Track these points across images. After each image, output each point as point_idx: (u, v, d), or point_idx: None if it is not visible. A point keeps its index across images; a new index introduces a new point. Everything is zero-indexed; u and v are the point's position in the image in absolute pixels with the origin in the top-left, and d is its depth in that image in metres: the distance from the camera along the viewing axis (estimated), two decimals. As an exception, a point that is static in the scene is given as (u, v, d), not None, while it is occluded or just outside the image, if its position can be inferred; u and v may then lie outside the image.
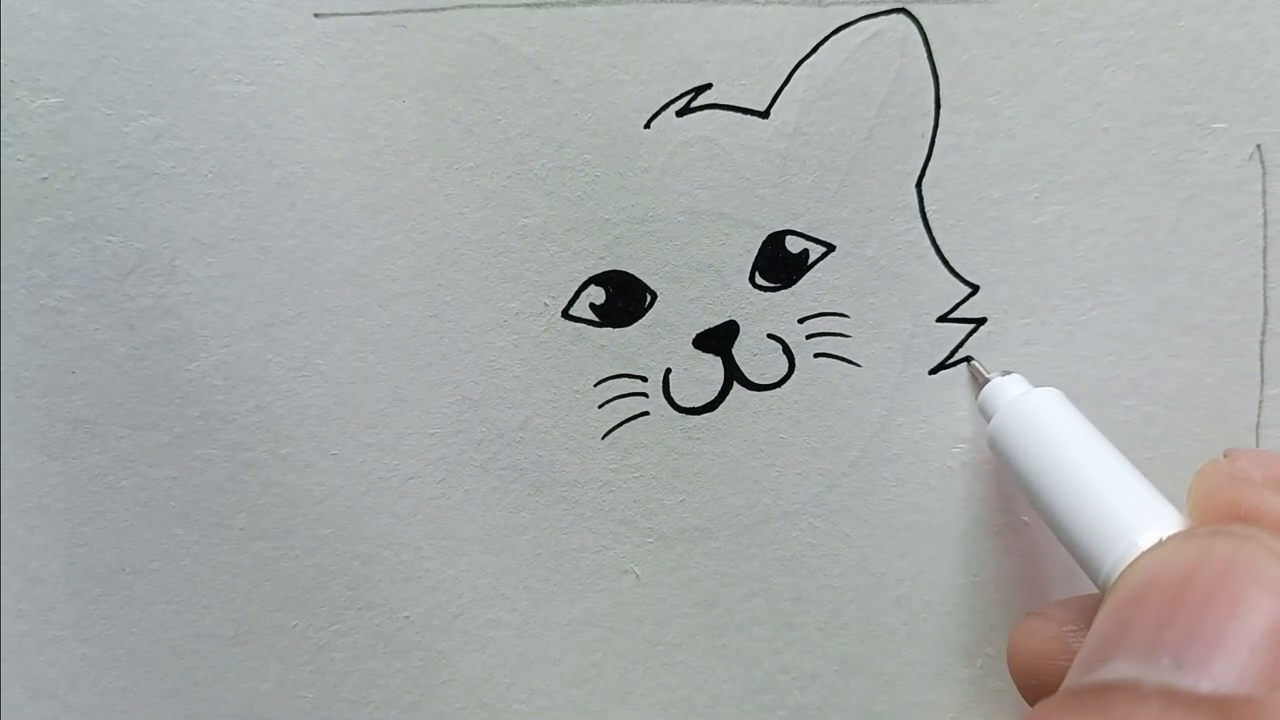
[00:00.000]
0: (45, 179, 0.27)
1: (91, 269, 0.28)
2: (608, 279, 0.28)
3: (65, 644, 0.30)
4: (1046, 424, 0.25)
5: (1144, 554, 0.19)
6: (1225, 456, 0.19)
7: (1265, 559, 0.16)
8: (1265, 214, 0.28)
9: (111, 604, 0.29)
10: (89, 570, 0.29)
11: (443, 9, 0.27)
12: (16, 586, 0.29)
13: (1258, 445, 0.29)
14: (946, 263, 0.28)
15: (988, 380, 0.28)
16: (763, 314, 0.29)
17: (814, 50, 0.27)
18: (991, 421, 0.26)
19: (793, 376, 0.29)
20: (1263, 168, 0.28)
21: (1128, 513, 0.21)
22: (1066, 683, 0.17)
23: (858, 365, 0.29)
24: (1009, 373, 0.28)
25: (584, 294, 0.28)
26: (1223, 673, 0.15)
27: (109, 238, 0.27)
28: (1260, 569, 0.16)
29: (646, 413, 0.29)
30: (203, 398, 0.28)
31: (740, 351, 0.29)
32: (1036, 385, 0.27)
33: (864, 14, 0.27)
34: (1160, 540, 0.19)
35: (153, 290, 0.28)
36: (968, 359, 0.29)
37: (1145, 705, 0.15)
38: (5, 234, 0.27)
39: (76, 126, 0.27)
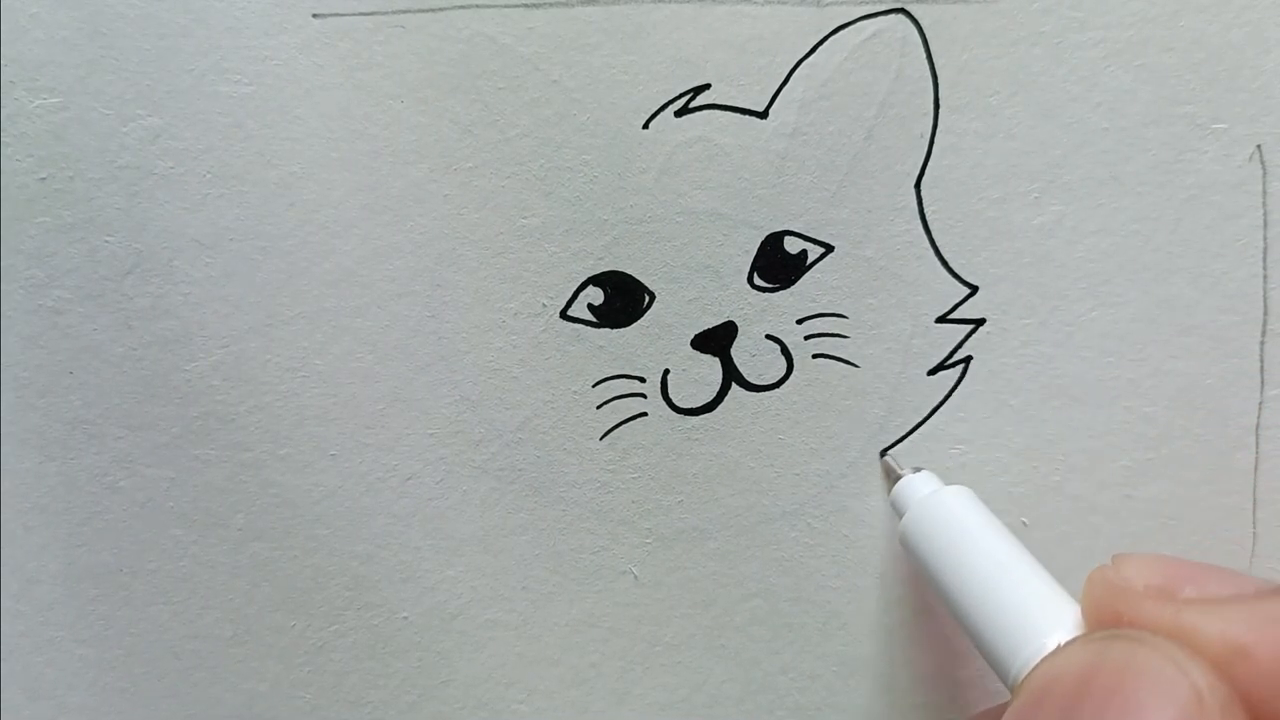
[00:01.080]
0: (43, 179, 0.27)
1: (90, 269, 0.28)
2: (606, 279, 0.28)
3: (64, 644, 0.30)
4: (955, 523, 0.25)
5: (1044, 659, 0.19)
6: (1113, 562, 0.19)
7: (1160, 663, 0.16)
8: (1265, 214, 0.28)
9: (110, 604, 0.29)
10: (87, 570, 0.29)
11: (441, 9, 0.27)
12: (15, 586, 0.29)
13: (1257, 446, 0.29)
14: (945, 263, 0.28)
15: (899, 476, 0.28)
16: (761, 315, 0.28)
17: (813, 50, 0.27)
18: (903, 519, 0.27)
19: (791, 377, 0.29)
20: (1263, 168, 0.28)
21: (1032, 616, 0.21)
22: None
23: (856, 366, 0.29)
24: (920, 469, 0.28)
25: (582, 294, 0.28)
26: None
27: (107, 238, 0.27)
28: (1155, 674, 0.16)
29: (645, 413, 0.29)
30: (201, 398, 0.28)
31: (739, 352, 0.29)
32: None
33: (863, 14, 0.27)
34: (1059, 645, 0.19)
35: (151, 290, 0.28)
36: (881, 454, 0.29)
37: None
38: (4, 234, 0.27)
39: (75, 126, 0.27)
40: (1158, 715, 0.15)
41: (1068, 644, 0.19)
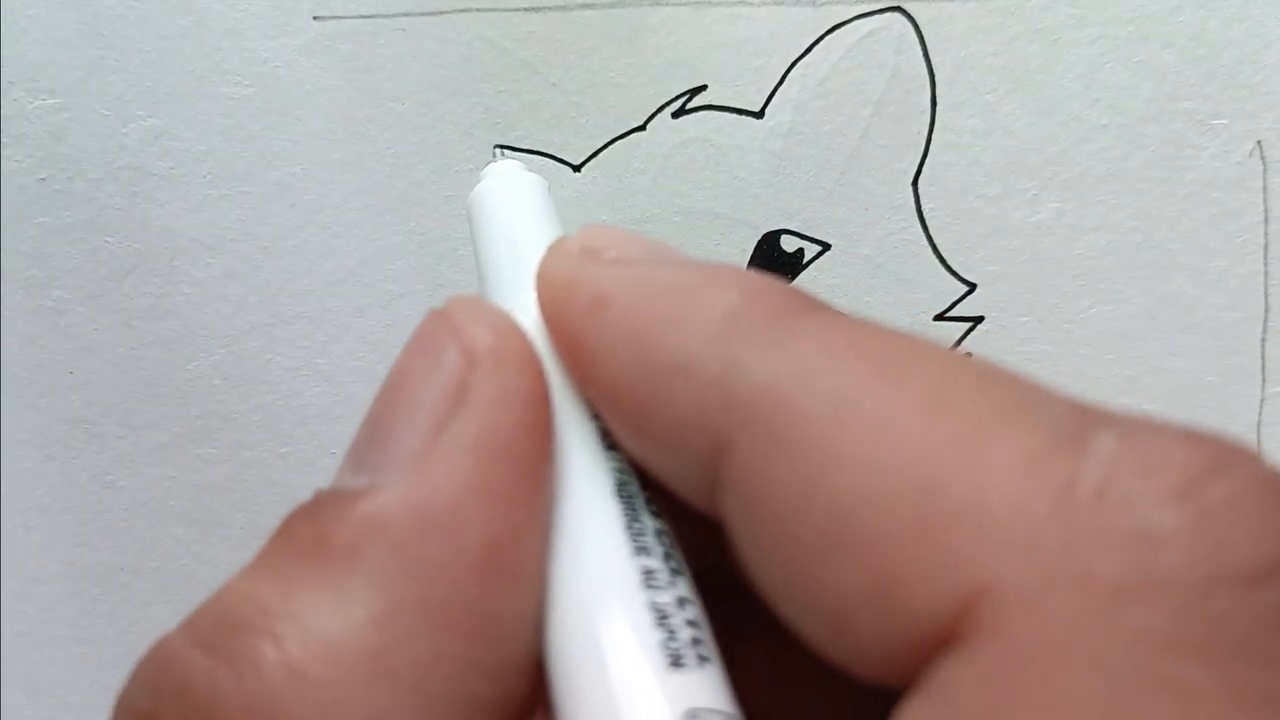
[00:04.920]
0: (44, 180, 0.27)
1: (90, 269, 0.28)
2: (603, 278, 0.28)
3: (64, 644, 0.30)
4: (509, 199, 0.22)
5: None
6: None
7: (437, 327, 0.15)
8: (1266, 210, 0.28)
9: (110, 603, 0.30)
10: (88, 570, 0.29)
11: (441, 12, 0.27)
12: (16, 586, 0.29)
13: (1259, 444, 0.29)
14: (943, 261, 0.28)
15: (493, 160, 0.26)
16: (759, 313, 0.28)
17: (808, 50, 0.27)
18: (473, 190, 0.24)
19: (789, 375, 0.29)
20: (1263, 164, 0.28)
21: (506, 273, 0.20)
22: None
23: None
24: (515, 160, 0.25)
25: (580, 293, 0.28)
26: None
27: (108, 238, 0.28)
28: (429, 338, 0.15)
29: (643, 413, 0.29)
30: (202, 397, 0.28)
31: (737, 350, 0.29)
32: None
33: (859, 13, 0.27)
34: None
35: (152, 290, 0.28)
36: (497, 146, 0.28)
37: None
38: (4, 234, 0.28)
39: (75, 127, 0.27)
40: (424, 379, 0.15)
41: None
